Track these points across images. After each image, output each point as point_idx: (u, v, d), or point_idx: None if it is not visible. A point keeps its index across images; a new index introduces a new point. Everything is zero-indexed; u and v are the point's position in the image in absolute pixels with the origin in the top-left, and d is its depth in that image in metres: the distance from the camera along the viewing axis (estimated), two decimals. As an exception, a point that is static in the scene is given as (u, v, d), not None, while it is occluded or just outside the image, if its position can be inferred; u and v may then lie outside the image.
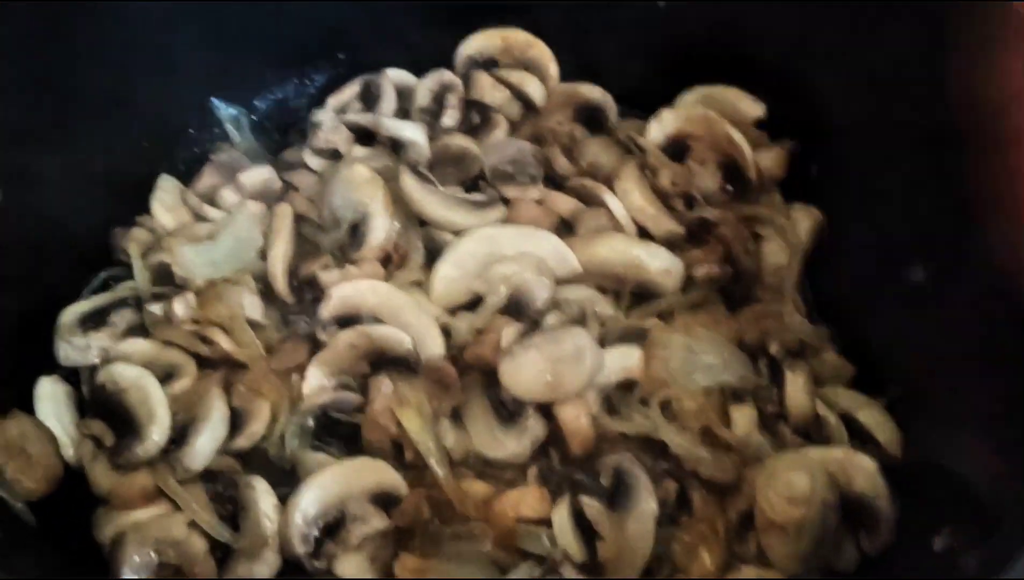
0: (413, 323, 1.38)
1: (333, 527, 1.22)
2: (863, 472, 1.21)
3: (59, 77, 1.37)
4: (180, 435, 1.27)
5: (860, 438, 1.30)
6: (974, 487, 1.11)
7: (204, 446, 1.26)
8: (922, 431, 1.27)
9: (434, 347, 1.37)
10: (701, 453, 1.27)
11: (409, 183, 1.46)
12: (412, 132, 1.56)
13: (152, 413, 1.26)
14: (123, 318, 1.39)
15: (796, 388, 1.32)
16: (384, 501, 1.25)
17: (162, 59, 1.50)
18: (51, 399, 1.31)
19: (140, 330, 1.39)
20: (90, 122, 1.45)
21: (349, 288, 1.40)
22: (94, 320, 1.37)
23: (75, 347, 1.34)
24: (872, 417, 1.30)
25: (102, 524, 1.24)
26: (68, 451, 1.28)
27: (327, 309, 1.38)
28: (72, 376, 1.36)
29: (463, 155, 1.56)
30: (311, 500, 1.21)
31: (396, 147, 1.57)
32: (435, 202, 1.47)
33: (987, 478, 1.10)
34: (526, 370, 1.30)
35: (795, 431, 1.32)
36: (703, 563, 1.23)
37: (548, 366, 1.30)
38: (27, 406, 1.29)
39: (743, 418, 1.31)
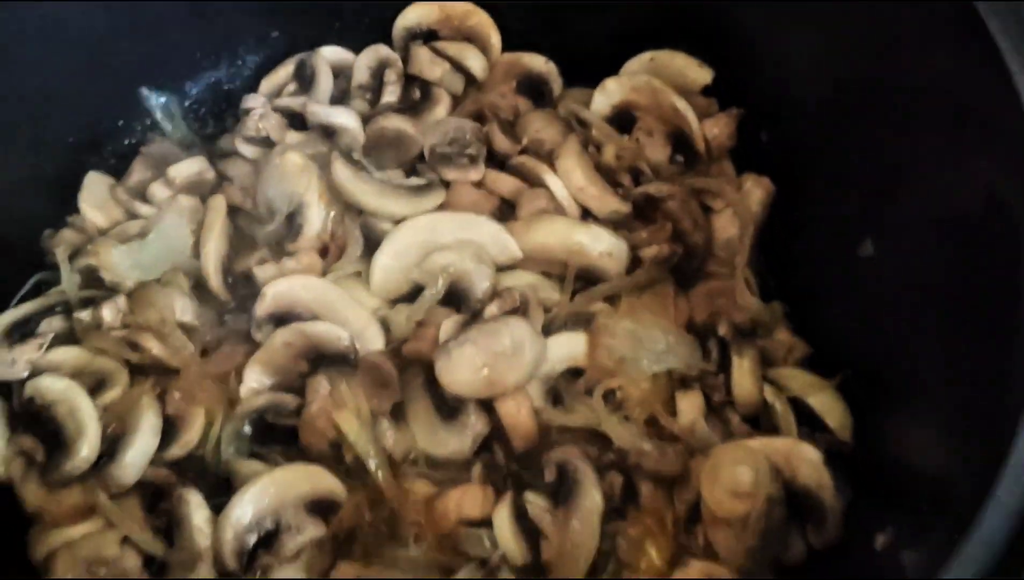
0: (350, 318, 1.34)
1: (268, 538, 1.19)
2: (808, 463, 1.18)
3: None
4: (112, 447, 1.24)
5: (811, 423, 1.26)
6: (918, 478, 1.08)
7: (135, 459, 1.24)
8: (873, 415, 1.23)
9: (373, 342, 1.34)
10: (645, 446, 1.24)
11: (342, 172, 1.41)
12: (343, 117, 1.50)
13: (81, 427, 1.23)
14: (52, 326, 1.35)
15: (743, 374, 1.28)
16: (321, 508, 1.22)
17: (84, 50, 1.44)
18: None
19: (70, 337, 1.35)
20: (11, 121, 1.40)
21: (283, 285, 1.36)
22: (20, 331, 1.33)
23: (1, 362, 1.31)
24: (823, 402, 1.26)
25: (35, 543, 1.22)
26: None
27: (261, 308, 1.35)
28: (4, 388, 1.33)
29: (400, 137, 1.50)
30: (243, 512, 1.18)
31: (329, 133, 1.51)
32: (370, 190, 1.42)
33: (932, 469, 1.07)
34: (462, 366, 1.26)
35: (743, 418, 1.28)
36: (650, 558, 1.21)
37: (485, 361, 1.26)
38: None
39: (689, 406, 1.28)
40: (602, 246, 1.37)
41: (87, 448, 1.22)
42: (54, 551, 1.19)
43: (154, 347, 1.31)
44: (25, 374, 1.31)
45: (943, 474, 1.04)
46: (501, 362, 1.26)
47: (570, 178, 1.43)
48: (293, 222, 1.42)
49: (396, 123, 1.51)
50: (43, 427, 1.25)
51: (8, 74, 1.37)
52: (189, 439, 1.28)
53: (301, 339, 1.32)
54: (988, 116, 1.05)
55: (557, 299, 1.38)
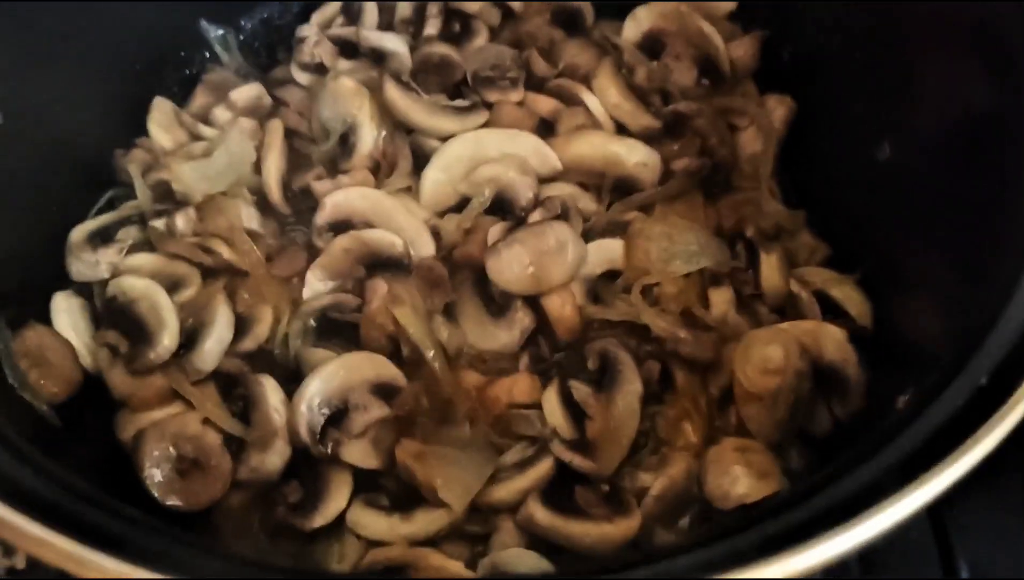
0: (404, 226, 1.44)
1: (337, 416, 1.30)
2: (833, 341, 1.28)
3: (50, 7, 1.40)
4: (189, 340, 1.34)
5: (833, 313, 1.36)
6: (932, 350, 1.17)
7: (212, 348, 1.34)
8: (888, 302, 1.33)
9: (425, 248, 1.44)
10: (681, 333, 1.33)
11: (393, 92, 1.51)
12: (393, 42, 1.60)
13: (162, 320, 1.33)
14: (129, 234, 1.45)
15: (770, 268, 1.38)
16: (384, 392, 1.32)
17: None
18: (67, 312, 1.38)
19: (145, 245, 1.45)
20: (83, 48, 1.48)
21: (341, 195, 1.46)
22: (102, 237, 1.43)
23: (86, 263, 1.41)
24: (843, 292, 1.36)
25: (123, 425, 1.32)
26: (86, 359, 1.35)
27: (321, 216, 1.45)
28: (85, 291, 1.43)
29: (445, 62, 1.60)
30: (315, 391, 1.28)
31: (379, 58, 1.61)
32: (419, 109, 1.52)
33: (938, 341, 1.17)
34: (511, 264, 1.36)
35: (771, 309, 1.39)
36: (687, 436, 1.31)
37: (532, 259, 1.36)
38: (45, 321, 1.36)
39: (720, 299, 1.38)
40: (637, 157, 1.48)
41: (168, 338, 1.32)
42: (141, 431, 1.29)
43: (224, 251, 1.42)
44: (107, 275, 1.41)
45: (947, 343, 1.14)
46: (546, 260, 1.37)
47: (605, 95, 1.53)
48: (347, 142, 1.53)
49: (441, 49, 1.61)
50: (126, 322, 1.35)
51: (83, 6, 1.46)
52: (260, 333, 1.38)
53: (358, 245, 1.43)
54: (995, 30, 1.15)
55: (595, 208, 1.49)
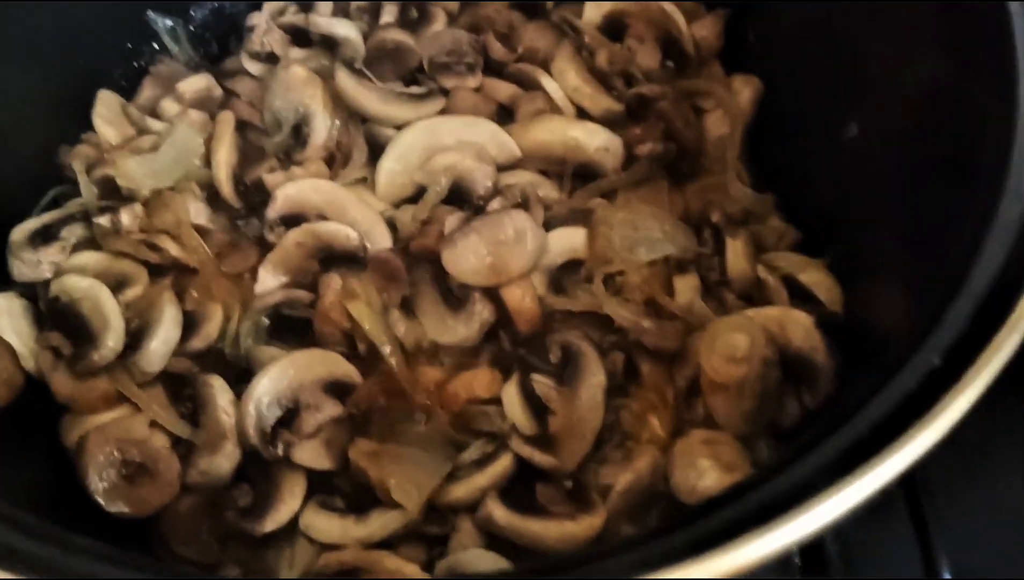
0: (359, 218, 1.40)
1: (288, 417, 1.25)
2: (800, 328, 1.23)
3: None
4: (135, 340, 1.30)
5: (803, 299, 1.32)
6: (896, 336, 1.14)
7: (158, 348, 1.29)
8: (857, 285, 1.29)
9: (381, 240, 1.39)
10: (645, 323, 1.29)
11: (345, 80, 1.47)
12: (344, 28, 1.56)
13: (106, 320, 1.29)
14: (73, 233, 1.40)
15: (736, 254, 1.34)
16: (338, 390, 1.28)
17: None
18: (7, 314, 1.33)
19: (90, 244, 1.40)
20: (29, 44, 1.45)
21: (293, 188, 1.41)
22: (44, 236, 1.38)
23: (27, 263, 1.36)
24: (812, 277, 1.32)
25: (68, 429, 1.28)
26: (28, 362, 1.30)
27: (273, 210, 1.40)
28: (29, 292, 1.38)
29: (399, 49, 1.56)
30: (264, 390, 1.24)
31: (331, 46, 1.57)
32: (373, 97, 1.48)
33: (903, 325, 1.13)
34: (468, 254, 1.32)
35: (738, 296, 1.34)
36: (653, 429, 1.27)
37: (489, 249, 1.32)
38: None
39: (686, 287, 1.34)
40: (598, 141, 1.43)
41: (113, 339, 1.27)
42: (85, 435, 1.24)
43: (171, 247, 1.37)
44: (49, 275, 1.36)
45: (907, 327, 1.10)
46: (504, 250, 1.32)
47: (565, 79, 1.49)
48: (300, 132, 1.48)
49: (395, 36, 1.56)
50: (69, 323, 1.30)
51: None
52: (209, 332, 1.33)
53: (312, 239, 1.38)
54: (957, 6, 1.12)
55: (556, 196, 1.44)
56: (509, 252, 1.32)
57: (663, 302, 1.32)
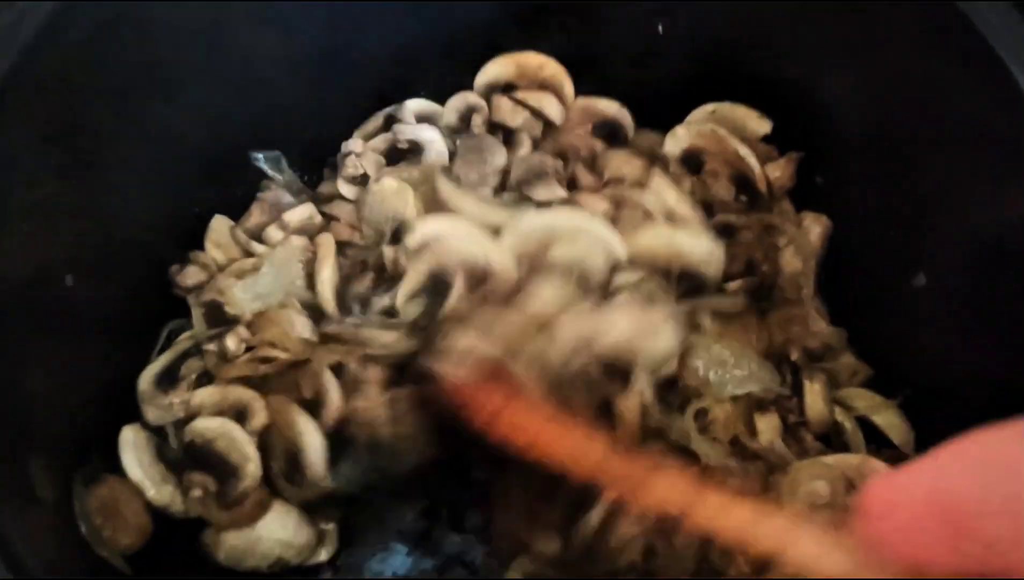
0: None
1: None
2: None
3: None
4: (292, 463, 1.42)
5: (877, 440, 1.41)
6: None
7: (316, 461, 1.41)
8: (930, 426, 1.38)
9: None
10: (731, 463, 1.38)
11: (443, 184, 1.57)
12: (428, 133, 1.67)
13: (243, 453, 1.39)
14: (191, 368, 1.49)
15: (815, 396, 1.42)
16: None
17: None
18: (132, 447, 1.42)
19: (207, 375, 1.50)
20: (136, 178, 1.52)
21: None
22: (168, 378, 1.48)
23: (161, 407, 1.46)
24: (887, 419, 1.41)
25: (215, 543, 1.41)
26: (151, 493, 1.39)
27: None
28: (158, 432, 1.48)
29: (483, 145, 1.67)
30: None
31: (417, 151, 1.67)
32: (470, 201, 1.56)
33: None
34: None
35: (816, 436, 1.43)
36: (739, 566, 1.35)
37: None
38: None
39: (767, 427, 1.41)
40: (703, 248, 1.48)
41: (252, 466, 1.39)
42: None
43: (281, 354, 1.47)
44: (182, 414, 1.46)
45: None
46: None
47: (663, 196, 1.55)
48: (398, 237, 1.57)
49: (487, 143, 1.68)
50: (208, 462, 1.41)
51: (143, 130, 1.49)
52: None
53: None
54: (1010, 145, 1.20)
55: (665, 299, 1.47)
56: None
57: (747, 442, 1.41)
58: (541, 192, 1.62)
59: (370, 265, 1.60)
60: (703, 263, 1.49)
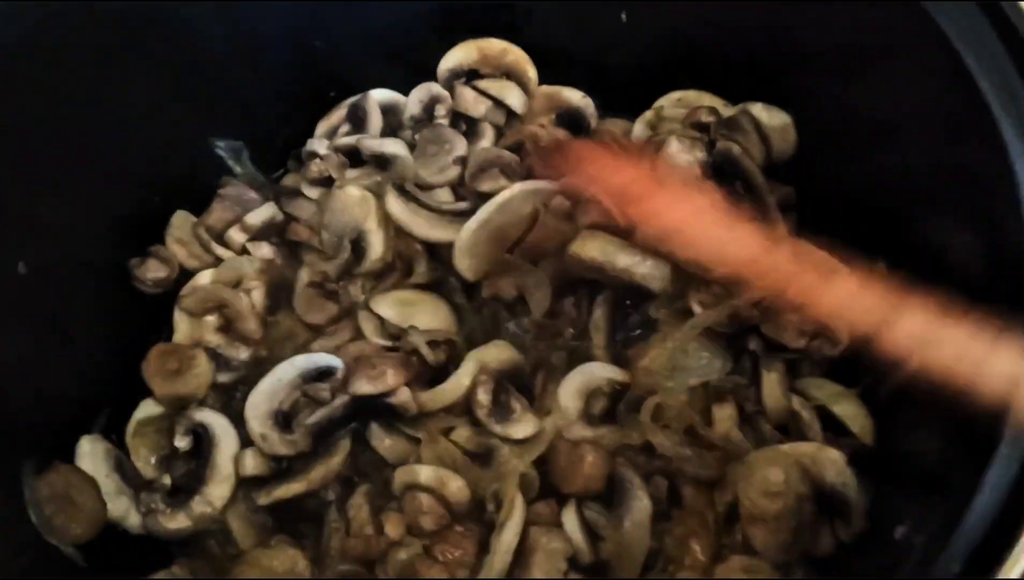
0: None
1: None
2: (833, 465, 1.30)
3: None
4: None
5: (836, 429, 1.39)
6: (925, 469, 1.22)
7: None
8: (890, 415, 1.36)
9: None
10: (686, 452, 1.37)
11: (395, 205, 1.57)
12: (394, 147, 1.65)
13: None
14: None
15: (772, 386, 1.40)
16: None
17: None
18: (91, 456, 1.42)
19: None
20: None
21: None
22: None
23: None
24: (845, 409, 1.37)
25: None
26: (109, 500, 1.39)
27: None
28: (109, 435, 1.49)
29: (442, 137, 1.67)
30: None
31: (383, 162, 1.65)
32: (421, 222, 1.57)
33: (937, 461, 1.21)
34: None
35: (773, 426, 1.41)
36: (695, 554, 1.34)
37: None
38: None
39: (724, 416, 1.40)
40: (644, 270, 1.47)
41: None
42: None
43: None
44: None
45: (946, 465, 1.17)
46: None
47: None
48: (358, 249, 1.58)
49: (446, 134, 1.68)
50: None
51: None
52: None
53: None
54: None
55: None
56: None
57: (703, 432, 1.39)
58: (487, 184, 1.63)
59: (332, 275, 1.59)
60: (647, 280, 1.48)
